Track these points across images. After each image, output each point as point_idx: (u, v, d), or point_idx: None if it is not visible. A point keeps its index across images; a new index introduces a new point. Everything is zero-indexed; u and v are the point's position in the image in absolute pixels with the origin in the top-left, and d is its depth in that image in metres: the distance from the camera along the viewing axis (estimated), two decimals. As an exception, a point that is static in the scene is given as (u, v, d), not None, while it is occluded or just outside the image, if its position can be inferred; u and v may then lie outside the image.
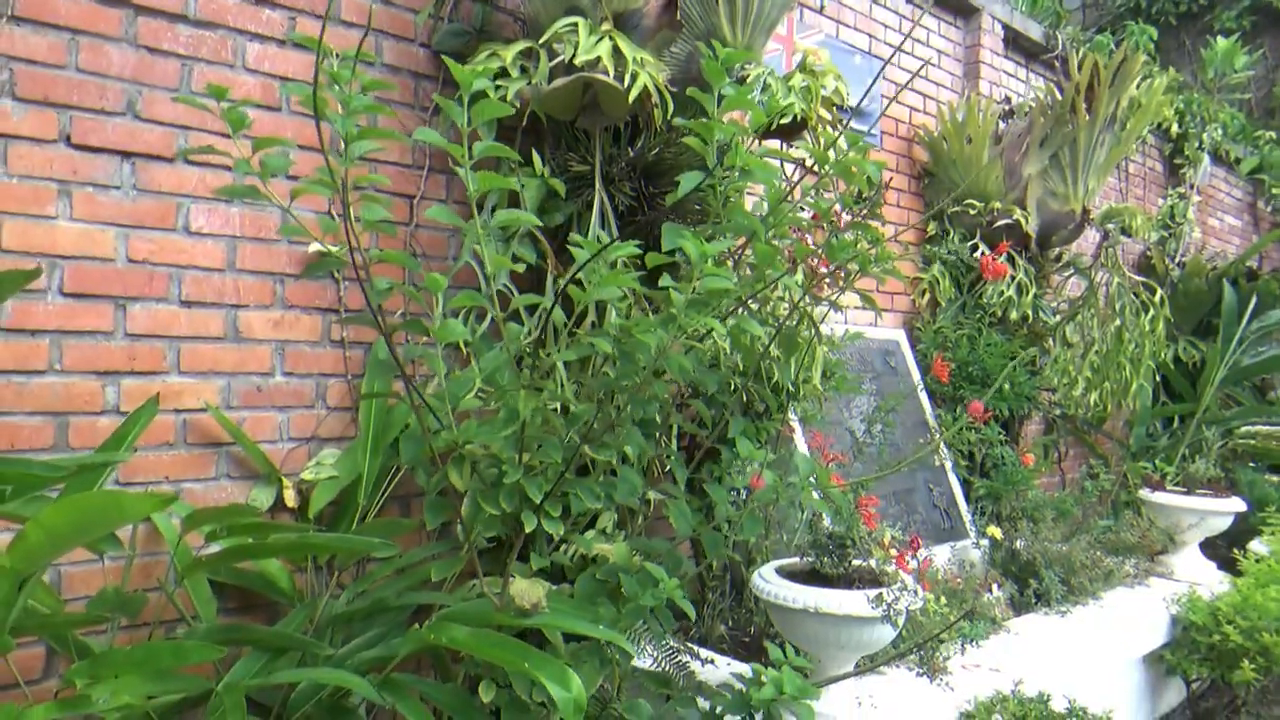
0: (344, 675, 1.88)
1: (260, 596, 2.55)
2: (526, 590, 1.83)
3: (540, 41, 2.49)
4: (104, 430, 2.39)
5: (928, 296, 4.95)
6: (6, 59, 2.24)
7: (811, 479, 1.87)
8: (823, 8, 4.36)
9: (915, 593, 2.29)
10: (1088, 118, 4.78)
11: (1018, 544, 3.93)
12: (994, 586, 3.72)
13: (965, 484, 4.49)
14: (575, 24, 2.48)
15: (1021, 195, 4.88)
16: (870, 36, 4.71)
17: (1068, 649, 3.38)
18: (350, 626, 2.41)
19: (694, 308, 1.79)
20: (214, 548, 2.10)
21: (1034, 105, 4.91)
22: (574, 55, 2.37)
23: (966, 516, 4.33)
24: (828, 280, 2.55)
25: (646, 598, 1.79)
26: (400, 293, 2.70)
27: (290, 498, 2.67)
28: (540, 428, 1.79)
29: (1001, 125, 5.20)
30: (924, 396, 4.57)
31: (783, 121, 2.68)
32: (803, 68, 2.92)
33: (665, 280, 2.31)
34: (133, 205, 2.44)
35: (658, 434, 2.12)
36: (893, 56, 3.31)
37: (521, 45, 2.54)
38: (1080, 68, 4.68)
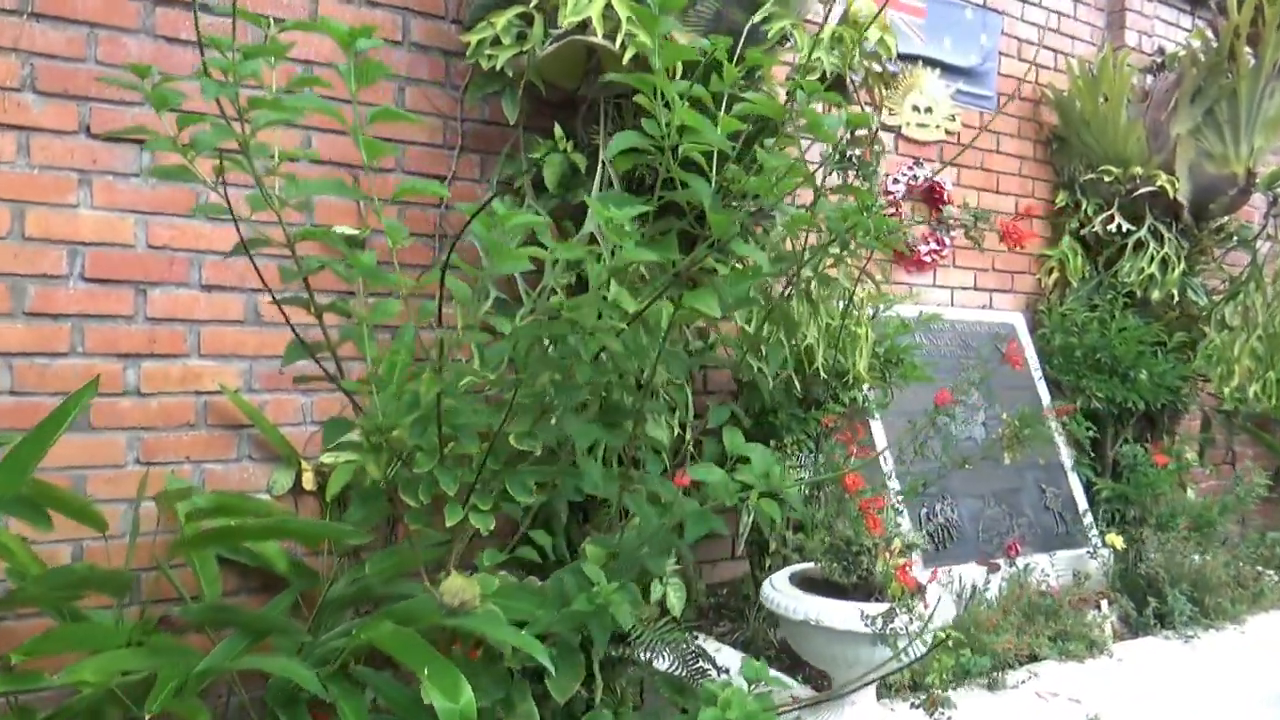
0: (288, 665, 1.83)
1: (277, 576, 2.57)
2: (459, 588, 1.71)
3: (534, 4, 2.35)
4: (126, 412, 2.46)
5: (1055, 275, 4.42)
6: (28, 54, 2.33)
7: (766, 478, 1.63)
8: (923, -41, 3.95)
9: (919, 609, 1.98)
10: (1251, 65, 4.10)
11: (1139, 555, 3.43)
12: (1102, 604, 3.27)
13: (1089, 485, 3.97)
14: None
15: (1169, 158, 4.26)
16: (985, -12, 4.24)
17: (1185, 681, 2.90)
18: (342, 613, 2.38)
19: (617, 279, 1.60)
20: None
21: (1184, 55, 4.27)
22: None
23: (1087, 522, 3.83)
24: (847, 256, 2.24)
25: (581, 601, 1.62)
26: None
27: (309, 481, 2.68)
28: (465, 412, 1.66)
29: (1150, 80, 4.57)
30: (1042, 387, 4.08)
31: (810, 79, 2.40)
32: (846, 19, 2.62)
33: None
34: (152, 192, 2.50)
35: (634, 421, 1.93)
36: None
37: (517, 10, 2.40)
38: (1240, 6, 4.02)
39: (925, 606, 2.04)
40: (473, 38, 2.45)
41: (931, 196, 4.05)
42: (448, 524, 1.67)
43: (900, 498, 3.05)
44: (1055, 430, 3.96)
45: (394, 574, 2.21)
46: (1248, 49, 4.11)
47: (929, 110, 4.02)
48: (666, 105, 1.75)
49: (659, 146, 1.70)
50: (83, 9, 2.40)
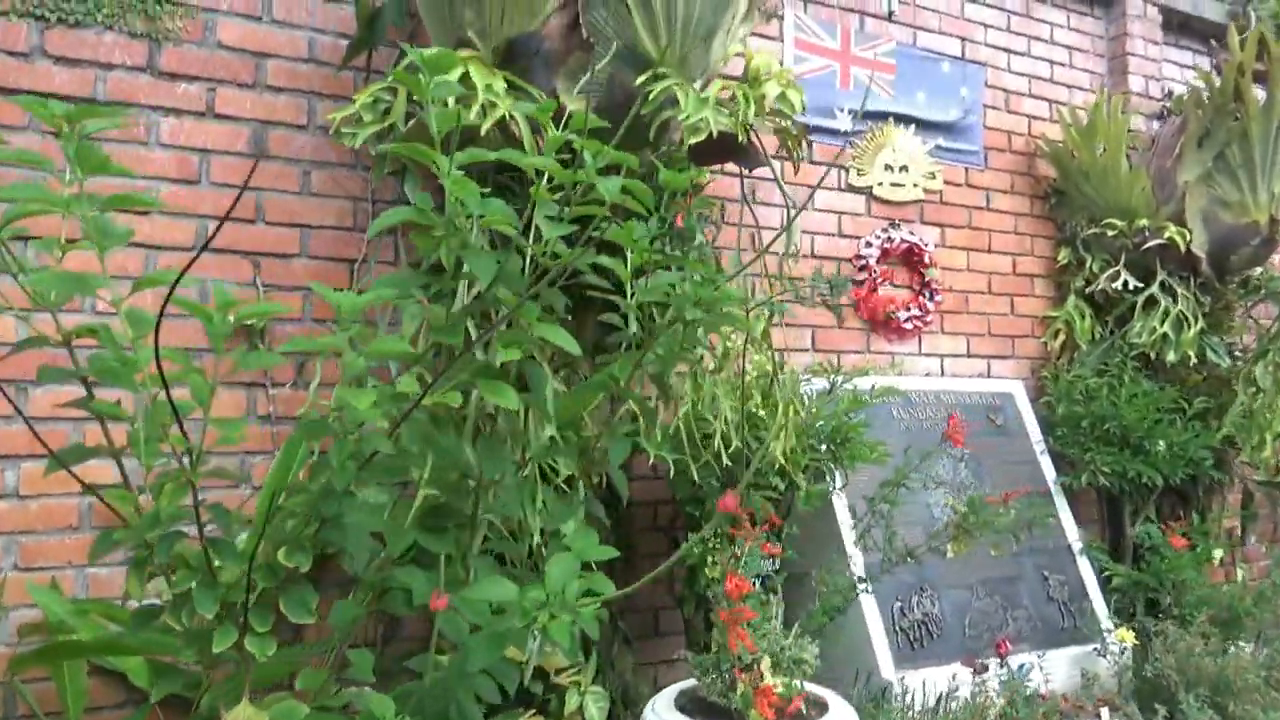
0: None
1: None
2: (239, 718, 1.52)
3: (389, 81, 2.24)
4: (3, 515, 2.37)
5: (1062, 338, 4.08)
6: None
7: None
8: (891, 15, 3.77)
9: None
10: (1261, 103, 3.77)
11: (1147, 654, 3.02)
12: (1103, 712, 2.87)
13: (1102, 572, 3.57)
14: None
15: (1179, 208, 3.92)
16: (963, 40, 4.02)
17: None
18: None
19: (366, 360, 1.41)
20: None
21: (1186, 97, 3.96)
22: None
23: (1100, 614, 3.43)
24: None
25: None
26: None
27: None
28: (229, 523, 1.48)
29: (1156, 126, 4.26)
30: (1046, 461, 3.72)
31: (694, 140, 2.22)
32: (749, 77, 2.44)
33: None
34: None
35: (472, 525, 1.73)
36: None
37: (378, 85, 2.30)
38: (1243, 42, 3.71)
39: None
40: (336, 115, 2.35)
41: (910, 259, 3.79)
42: (214, 650, 1.49)
43: (862, 586, 2.74)
44: (1060, 509, 3.59)
45: (234, 695, 2.01)
46: (1257, 86, 3.79)
47: (904, 169, 3.79)
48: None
49: (453, 222, 1.53)
50: (-38, 109, 2.39)
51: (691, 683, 2.10)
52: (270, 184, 2.73)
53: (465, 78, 2.11)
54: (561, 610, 1.38)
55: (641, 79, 2.27)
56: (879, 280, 3.65)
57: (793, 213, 2.59)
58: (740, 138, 2.24)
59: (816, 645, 2.01)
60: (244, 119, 2.71)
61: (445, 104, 1.68)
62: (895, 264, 3.79)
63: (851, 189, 3.69)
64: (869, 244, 3.67)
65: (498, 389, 1.47)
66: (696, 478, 2.33)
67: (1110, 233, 3.97)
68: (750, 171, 2.71)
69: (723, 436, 2.35)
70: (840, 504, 3.12)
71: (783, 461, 2.44)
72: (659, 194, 2.46)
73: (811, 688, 2.07)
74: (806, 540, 2.90)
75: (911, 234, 3.76)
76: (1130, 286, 3.91)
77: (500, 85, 2.14)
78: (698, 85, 2.39)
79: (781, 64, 3.48)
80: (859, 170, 3.69)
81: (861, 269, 3.64)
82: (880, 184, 3.74)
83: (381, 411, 1.46)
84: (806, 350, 3.52)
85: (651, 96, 2.24)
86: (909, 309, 3.74)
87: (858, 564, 2.96)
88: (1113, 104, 3.94)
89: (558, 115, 2.42)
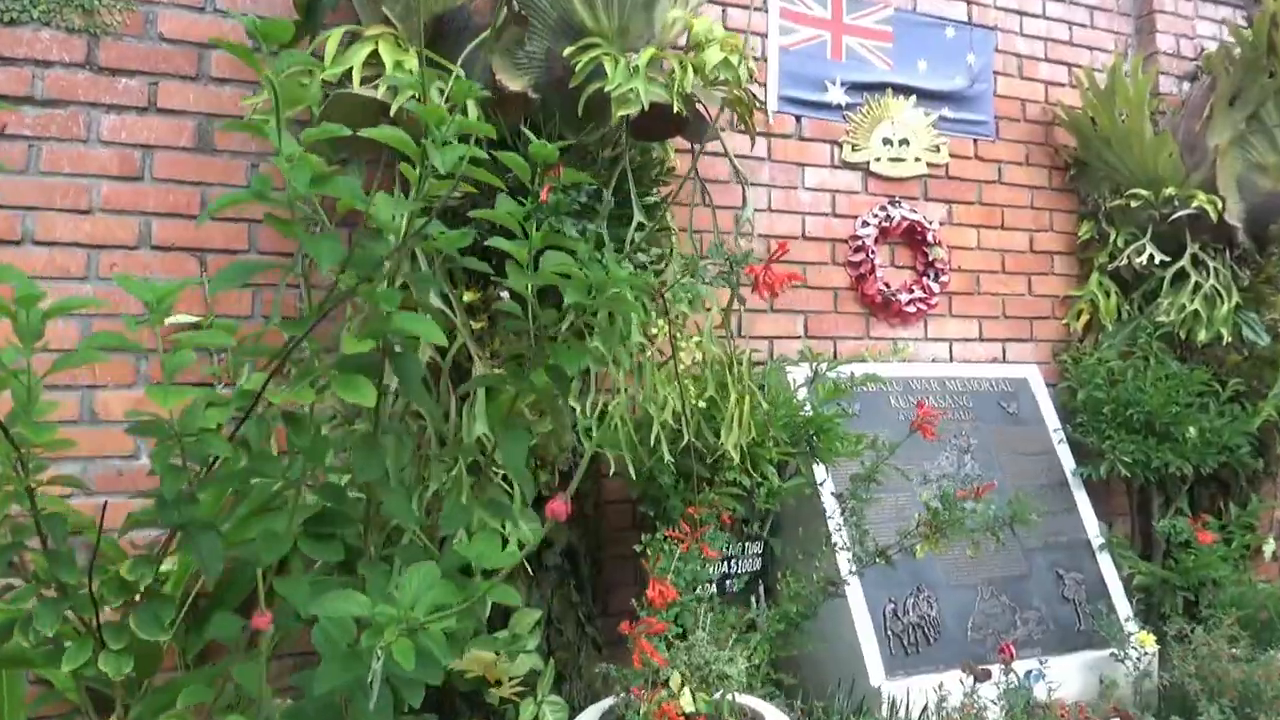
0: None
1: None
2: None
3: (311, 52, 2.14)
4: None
5: (1085, 319, 3.80)
6: None
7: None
8: (886, -22, 3.55)
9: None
10: (1298, 57, 3.45)
11: (1167, 659, 2.77)
12: (1113, 724, 2.63)
13: (1128, 571, 3.31)
14: (351, 33, 2.10)
15: (1209, 175, 3.62)
16: (969, 3, 3.77)
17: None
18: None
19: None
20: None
21: (1213, 54, 3.65)
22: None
23: (1121, 615, 3.17)
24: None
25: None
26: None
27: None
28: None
29: (1187, 88, 3.95)
30: (1064, 451, 3.46)
31: (623, 113, 2.05)
32: (690, 44, 2.27)
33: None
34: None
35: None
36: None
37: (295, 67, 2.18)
38: (1276, -9, 3.40)
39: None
40: (246, 100, 2.26)
41: (913, 238, 3.56)
42: (64, 668, 1.40)
43: (831, 589, 2.55)
44: (1079, 502, 3.34)
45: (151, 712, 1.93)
46: (1293, 39, 3.47)
47: (904, 142, 3.56)
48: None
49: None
50: (-105, 112, 2.35)
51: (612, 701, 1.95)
52: (217, 179, 2.65)
53: (374, 56, 1.99)
54: (408, 628, 1.24)
55: (568, 50, 2.12)
56: (876, 262, 3.44)
57: (748, 191, 2.42)
58: (676, 109, 2.07)
59: (762, 654, 1.84)
60: (188, 112, 2.64)
61: (308, 77, 1.55)
62: (897, 244, 3.57)
63: (846, 165, 3.48)
64: (865, 223, 3.46)
65: (353, 385, 1.34)
66: (633, 474, 2.17)
67: (1135, 203, 3.68)
68: (702, 147, 2.54)
69: (664, 430, 2.18)
70: (829, 500, 2.93)
71: (735, 457, 2.27)
72: (604, 169, 2.32)
73: (749, 700, 1.90)
74: (806, 538, 2.72)
75: (913, 211, 3.54)
76: (1157, 261, 3.62)
77: (412, 63, 2.01)
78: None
79: (753, 34, 3.30)
80: (853, 145, 3.48)
81: (857, 250, 3.44)
82: (878, 159, 3.52)
83: (230, 412, 1.35)
84: (798, 337, 3.33)
85: (578, 69, 2.09)
86: (911, 291, 3.52)
87: (843, 564, 2.77)
88: (1133, 63, 3.64)
89: (500, 93, 2.29)
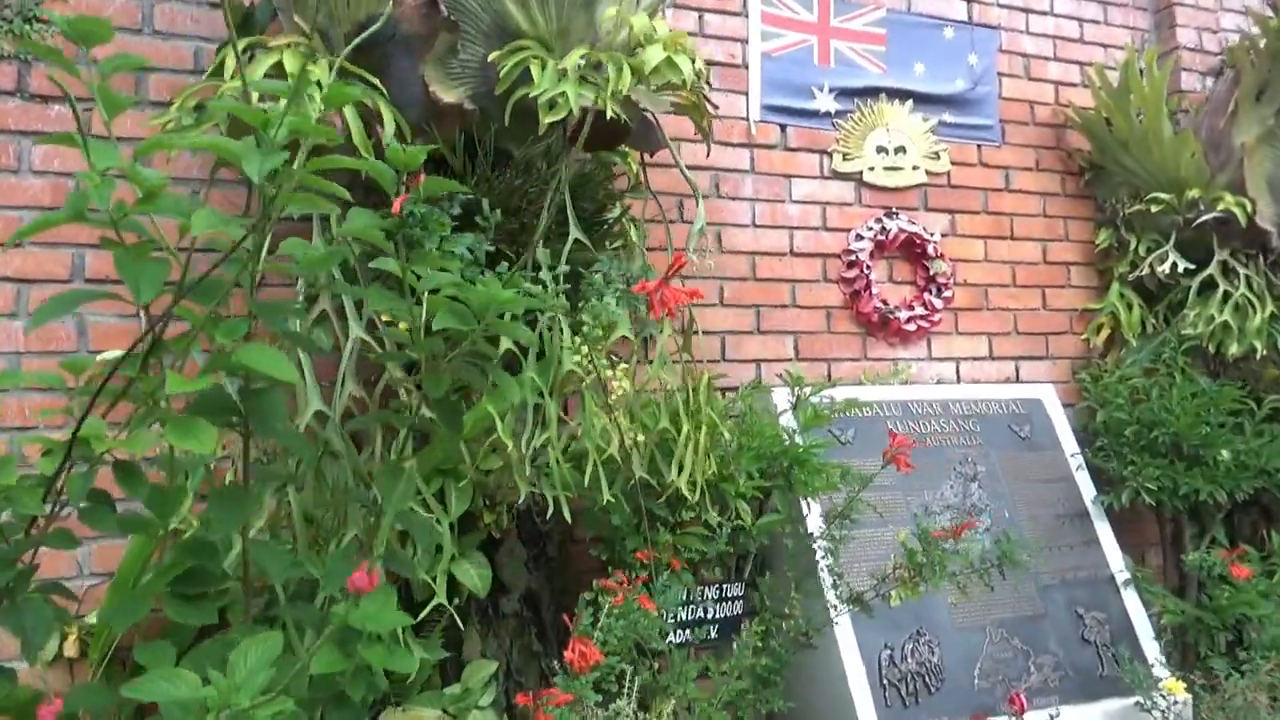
0: None
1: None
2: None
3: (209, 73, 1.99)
4: None
5: (1105, 333, 3.53)
6: None
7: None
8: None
9: None
10: (1330, 44, 3.17)
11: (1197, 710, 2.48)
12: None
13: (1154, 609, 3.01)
14: (257, 45, 1.95)
15: (1236, 175, 3.34)
16: (970, 2, 3.54)
17: None
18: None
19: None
20: None
21: (1236, 46, 3.38)
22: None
23: (1151, 659, 2.87)
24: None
25: None
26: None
27: (71, 647, 2.31)
28: None
29: (1211, 84, 3.68)
30: (1083, 477, 3.18)
31: (551, 120, 1.87)
32: (633, 44, 2.08)
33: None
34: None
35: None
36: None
37: (196, 86, 2.05)
38: (1302, -26, 3.13)
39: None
40: (154, 119, 2.13)
41: (913, 252, 3.33)
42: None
43: (803, 639, 2.31)
44: (1100, 533, 3.06)
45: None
46: (1323, 25, 3.19)
47: (900, 150, 3.34)
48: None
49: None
50: None
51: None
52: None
53: (280, 68, 1.83)
54: (232, 715, 1.06)
55: (493, 55, 1.95)
56: (872, 277, 3.21)
57: (699, 204, 2.23)
58: (609, 114, 1.88)
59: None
60: (124, 139, 2.51)
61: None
62: (895, 258, 3.34)
63: (837, 176, 3.26)
64: (859, 237, 3.24)
65: (189, 431, 1.17)
66: (566, 516, 1.97)
67: (1156, 208, 3.41)
68: (651, 155, 2.34)
69: (603, 467, 1.98)
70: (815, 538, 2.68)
71: (690, 494, 2.05)
72: (540, 184, 2.14)
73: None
74: (777, 582, 2.49)
75: (912, 223, 3.31)
76: (1182, 269, 3.34)
77: (321, 75, 1.86)
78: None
79: (733, 40, 3.11)
80: (845, 155, 3.26)
81: (851, 265, 3.21)
82: (872, 168, 3.30)
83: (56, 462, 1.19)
84: (788, 360, 3.10)
85: (503, 74, 1.92)
86: (912, 308, 3.28)
87: (833, 605, 2.52)
88: (1147, 58, 3.38)
89: (434, 105, 2.13)
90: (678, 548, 2.22)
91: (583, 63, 2.02)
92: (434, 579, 1.93)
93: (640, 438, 1.97)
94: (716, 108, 2.42)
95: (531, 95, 1.88)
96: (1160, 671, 2.80)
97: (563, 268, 1.51)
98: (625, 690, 1.70)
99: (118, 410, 1.34)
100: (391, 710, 2.21)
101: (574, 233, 1.97)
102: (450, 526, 2.13)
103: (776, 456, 2.39)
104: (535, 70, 1.89)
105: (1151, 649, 2.91)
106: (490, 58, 1.98)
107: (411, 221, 1.30)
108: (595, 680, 1.65)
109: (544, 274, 1.49)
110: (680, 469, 2.02)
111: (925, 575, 2.06)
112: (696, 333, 2.38)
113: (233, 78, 1.87)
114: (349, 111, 1.93)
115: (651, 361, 2.20)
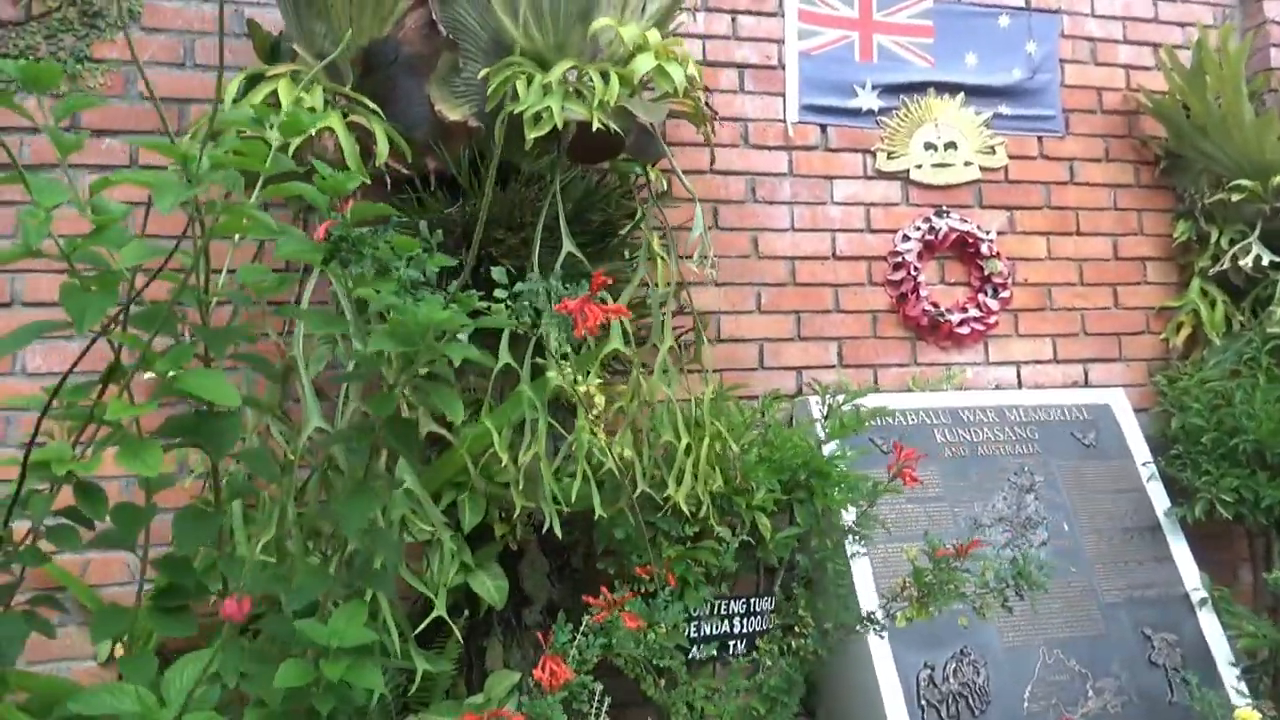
0: None
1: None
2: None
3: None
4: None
5: (1185, 332, 3.29)
6: None
7: None
8: (924, -33, 3.22)
9: None
10: None
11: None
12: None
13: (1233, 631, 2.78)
14: (255, 76, 2.03)
15: (1330, 157, 3.06)
16: (1027, -14, 3.37)
17: None
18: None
19: None
20: None
21: (1326, 14, 3.10)
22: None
23: (1227, 685, 2.66)
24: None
25: None
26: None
27: (120, 649, 2.45)
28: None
29: (1303, 58, 3.39)
30: (1156, 487, 2.97)
31: (536, 134, 1.86)
32: (626, 55, 2.05)
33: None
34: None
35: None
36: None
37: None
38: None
39: None
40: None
41: (965, 251, 3.18)
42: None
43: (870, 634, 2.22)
44: (1174, 547, 2.85)
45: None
46: None
47: (951, 146, 3.20)
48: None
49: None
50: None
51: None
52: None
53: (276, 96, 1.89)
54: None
55: (482, 72, 1.97)
56: (920, 279, 3.08)
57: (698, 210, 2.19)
58: (595, 125, 1.86)
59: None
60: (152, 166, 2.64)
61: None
62: (946, 258, 3.20)
63: (882, 175, 3.15)
64: (906, 237, 3.12)
65: (137, 453, 1.21)
66: (557, 530, 1.96)
67: (1238, 196, 3.16)
68: (654, 164, 2.31)
69: (593, 482, 1.96)
70: (863, 565, 2.58)
71: (685, 506, 2.01)
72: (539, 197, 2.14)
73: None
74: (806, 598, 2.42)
75: (964, 221, 3.16)
76: (1266, 262, 3.09)
77: (317, 102, 1.91)
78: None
79: (769, 41, 3.05)
80: (889, 153, 3.14)
81: (897, 267, 3.10)
82: (919, 166, 3.17)
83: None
84: (831, 367, 3.01)
85: (491, 90, 1.93)
86: (965, 310, 3.13)
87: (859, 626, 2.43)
88: (1221, 35, 3.14)
89: (441, 124, 2.17)
90: (689, 562, 2.18)
91: (573, 75, 2.02)
92: (440, 590, 1.96)
93: (627, 452, 1.95)
94: (716, 114, 2.37)
95: (516, 110, 1.89)
96: (1236, 699, 2.58)
97: (539, 283, 1.51)
98: (595, 711, 1.67)
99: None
100: (411, 718, 2.25)
101: (567, 246, 1.96)
102: (465, 538, 2.16)
103: (798, 468, 2.32)
104: (520, 86, 1.90)
105: (1229, 675, 2.69)
106: (479, 75, 2.00)
107: (345, 246, 1.31)
108: (565, 699, 1.63)
109: (498, 291, 1.49)
110: (679, 482, 1.99)
111: (933, 597, 1.95)
112: (707, 342, 2.33)
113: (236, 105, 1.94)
114: (342, 134, 1.98)
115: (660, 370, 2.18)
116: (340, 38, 2.14)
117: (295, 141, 1.83)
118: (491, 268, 1.56)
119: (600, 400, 1.84)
